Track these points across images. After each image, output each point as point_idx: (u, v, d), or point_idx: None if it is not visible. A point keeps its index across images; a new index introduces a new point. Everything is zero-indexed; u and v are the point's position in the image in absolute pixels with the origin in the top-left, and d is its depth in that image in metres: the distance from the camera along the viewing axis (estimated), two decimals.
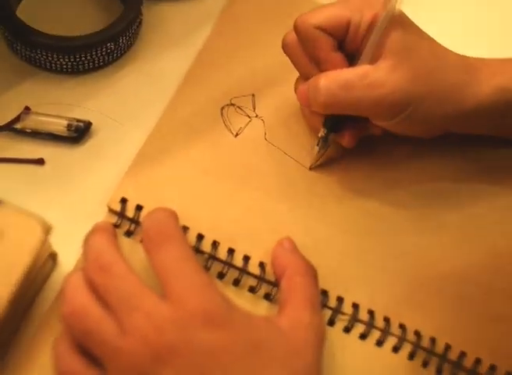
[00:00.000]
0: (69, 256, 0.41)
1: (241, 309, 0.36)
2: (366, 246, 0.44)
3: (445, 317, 0.42)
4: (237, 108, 0.48)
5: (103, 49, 0.47)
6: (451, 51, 0.44)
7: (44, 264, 0.40)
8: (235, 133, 0.47)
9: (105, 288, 0.36)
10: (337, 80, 0.42)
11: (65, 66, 0.47)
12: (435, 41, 0.44)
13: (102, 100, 0.47)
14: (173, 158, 0.45)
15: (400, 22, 0.42)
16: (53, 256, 0.41)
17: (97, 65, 0.48)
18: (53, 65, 0.47)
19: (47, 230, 0.38)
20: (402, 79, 0.41)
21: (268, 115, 0.48)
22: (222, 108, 0.47)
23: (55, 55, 0.46)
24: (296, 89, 0.45)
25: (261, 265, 0.41)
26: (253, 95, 0.48)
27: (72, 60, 0.47)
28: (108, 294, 0.36)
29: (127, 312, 0.35)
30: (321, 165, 0.46)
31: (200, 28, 0.51)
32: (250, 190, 0.45)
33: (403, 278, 0.43)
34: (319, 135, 0.44)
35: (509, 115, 0.45)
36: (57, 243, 0.41)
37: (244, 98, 0.48)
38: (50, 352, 0.36)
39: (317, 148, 0.45)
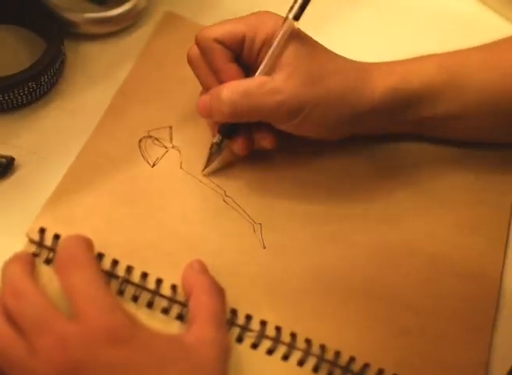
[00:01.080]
0: None
1: (146, 328, 0.39)
2: (275, 264, 0.47)
3: (350, 330, 0.45)
4: (154, 140, 0.50)
5: (25, 88, 0.49)
6: (343, 58, 0.48)
7: None
8: (152, 164, 0.49)
9: (18, 313, 0.38)
10: (238, 90, 0.45)
11: None
12: (327, 50, 0.48)
13: (26, 136, 0.50)
14: (92, 189, 0.47)
15: (296, 36, 0.46)
16: None
17: (20, 103, 0.50)
18: None
19: None
20: (296, 85, 0.45)
21: (184, 145, 0.50)
22: (140, 140, 0.50)
23: None
24: (198, 100, 0.47)
25: (173, 287, 0.44)
26: (170, 127, 0.51)
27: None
28: (20, 318, 0.38)
29: (37, 334, 0.37)
30: (235, 191, 0.49)
31: (123, 65, 0.54)
32: (165, 216, 0.47)
33: (309, 293, 0.46)
34: (213, 141, 0.48)
35: (400, 112, 0.49)
36: None
37: (162, 130, 0.51)
38: None
39: (209, 152, 0.48)
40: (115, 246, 0.45)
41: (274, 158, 0.51)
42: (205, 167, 0.49)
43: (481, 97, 0.49)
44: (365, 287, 0.47)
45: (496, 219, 0.51)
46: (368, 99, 0.47)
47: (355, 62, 0.49)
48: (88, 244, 0.42)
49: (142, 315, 0.42)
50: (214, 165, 0.49)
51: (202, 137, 0.51)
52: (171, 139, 0.51)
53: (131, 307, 0.43)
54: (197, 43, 0.47)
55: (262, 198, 0.49)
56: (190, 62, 0.48)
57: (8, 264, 0.41)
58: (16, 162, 0.48)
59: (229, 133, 0.48)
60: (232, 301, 0.44)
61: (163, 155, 0.50)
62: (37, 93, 0.51)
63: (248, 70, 0.47)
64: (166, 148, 0.50)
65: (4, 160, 0.47)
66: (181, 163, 0.50)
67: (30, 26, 0.54)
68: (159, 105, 0.52)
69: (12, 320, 0.38)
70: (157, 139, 0.50)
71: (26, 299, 0.38)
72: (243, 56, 0.47)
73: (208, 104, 0.46)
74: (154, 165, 0.49)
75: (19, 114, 0.51)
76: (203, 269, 0.44)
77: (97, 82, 0.53)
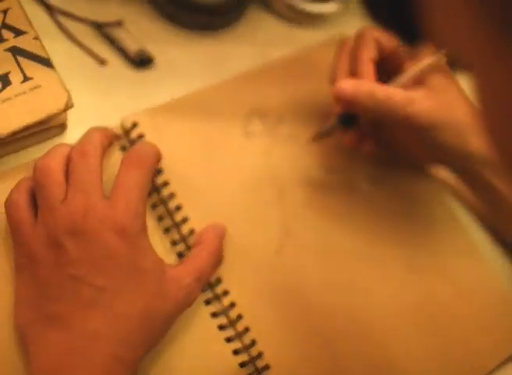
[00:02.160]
0: (74, 136, 0.51)
1: (149, 243, 0.45)
2: (280, 269, 0.52)
3: (291, 358, 0.50)
4: (262, 117, 0.56)
5: (204, 17, 0.57)
6: (473, 103, 0.52)
7: (53, 127, 0.50)
8: (247, 133, 0.55)
9: (75, 168, 0.45)
10: (382, 90, 0.50)
11: (168, 13, 0.57)
12: (464, 92, 0.52)
13: (176, 52, 0.57)
14: (191, 121, 0.54)
15: (441, 68, 0.51)
16: (63, 127, 0.51)
17: (192, 25, 0.58)
18: (165, 10, 0.57)
19: (68, 105, 0.48)
20: (430, 104, 0.50)
21: (279, 137, 0.56)
22: (251, 109, 0.56)
23: (170, 5, 0.56)
24: (341, 82, 0.51)
25: (192, 230, 0.50)
26: (280, 117, 0.57)
27: (175, 11, 0.56)
28: (74, 172, 0.45)
29: (76, 191, 0.44)
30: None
31: (281, 48, 0.60)
32: (229, 179, 0.53)
33: (284, 310, 0.51)
34: (329, 122, 0.53)
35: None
36: (73, 122, 0.51)
37: (272, 114, 0.57)
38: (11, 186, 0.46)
39: (321, 129, 0.54)
40: (175, 173, 0.51)
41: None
42: (311, 138, 0.55)
43: None
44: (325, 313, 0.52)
45: None
46: (480, 145, 0.50)
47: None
48: (157, 155, 0.48)
49: (156, 233, 0.49)
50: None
51: (298, 140, 0.57)
52: (274, 126, 0.56)
53: (153, 223, 0.49)
54: (360, 33, 0.53)
55: (308, 224, 0.55)
56: (342, 44, 0.54)
57: (93, 129, 0.48)
58: (153, 64, 0.56)
59: (346, 122, 0.53)
60: (223, 271, 0.50)
61: (259, 133, 0.56)
62: (205, 26, 0.58)
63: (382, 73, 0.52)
64: (266, 129, 0.56)
65: (147, 56, 0.55)
66: (267, 149, 0.55)
67: None
68: (286, 97, 0.58)
69: (68, 170, 0.46)
70: (264, 117, 0.56)
71: (88, 161, 0.45)
72: (385, 62, 0.53)
73: (350, 90, 0.50)
74: (247, 135, 0.55)
75: (181, 32, 0.58)
76: (221, 234, 0.50)
77: (251, 48, 0.60)
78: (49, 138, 0.51)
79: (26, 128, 0.47)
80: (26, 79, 0.47)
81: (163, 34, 0.57)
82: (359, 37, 0.53)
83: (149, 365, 0.46)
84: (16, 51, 0.48)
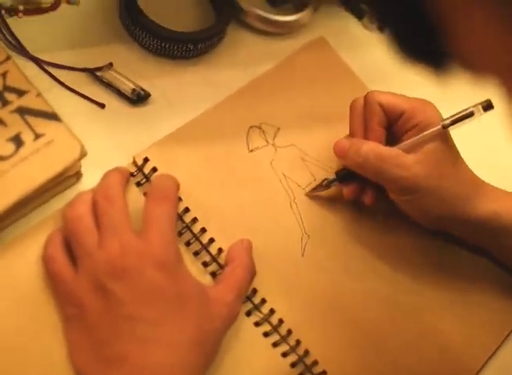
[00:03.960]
0: (89, 181, 0.53)
1: (187, 269, 0.48)
2: (306, 273, 0.55)
3: (334, 348, 0.53)
4: (261, 132, 0.59)
5: (184, 46, 0.58)
6: (470, 170, 0.55)
7: (69, 177, 0.52)
8: (250, 150, 0.58)
9: (103, 212, 0.48)
10: (376, 151, 0.53)
11: (154, 48, 0.59)
12: (461, 159, 0.55)
13: (168, 83, 0.59)
14: (196, 146, 0.56)
15: (443, 136, 0.53)
16: (78, 175, 0.53)
17: (174, 55, 0.59)
18: (150, 46, 0.59)
19: (83, 153, 0.50)
20: (422, 172, 0.52)
21: (282, 148, 0.59)
22: (251, 127, 0.59)
23: (155, 40, 0.58)
24: (338, 141, 0.56)
25: (220, 250, 0.53)
26: (278, 128, 0.60)
27: (160, 45, 0.58)
28: (103, 216, 0.47)
29: (109, 234, 0.46)
30: (303, 201, 0.57)
31: (263, 63, 0.62)
32: (240, 194, 0.56)
33: (319, 306, 0.54)
34: (328, 177, 0.57)
35: (500, 237, 0.56)
36: (85, 167, 0.53)
37: (271, 128, 0.59)
38: (42, 241, 0.48)
39: (319, 183, 0.57)
40: (193, 198, 0.54)
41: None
42: (310, 193, 0.58)
43: None
44: (372, 331, 0.55)
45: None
46: (472, 211, 0.54)
47: (477, 178, 0.56)
48: (177, 185, 0.51)
49: (187, 258, 0.51)
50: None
51: (299, 148, 0.59)
52: (274, 137, 0.59)
53: (182, 249, 0.52)
54: (365, 98, 0.55)
55: (323, 221, 0.58)
56: (352, 108, 0.57)
57: (110, 172, 0.51)
58: (149, 99, 0.58)
59: (344, 179, 0.56)
60: (257, 282, 0.52)
61: (262, 147, 0.59)
62: (191, 54, 0.60)
63: (391, 139, 0.55)
64: (267, 142, 0.59)
65: (143, 93, 0.57)
66: (272, 160, 0.58)
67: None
68: (280, 107, 0.61)
69: (96, 216, 0.48)
70: (263, 132, 0.59)
71: (114, 204, 0.48)
72: (394, 127, 0.55)
73: (347, 148, 0.55)
74: (251, 151, 0.58)
75: (169, 63, 0.60)
76: (249, 248, 0.53)
77: (238, 67, 0.62)
78: (67, 188, 0.53)
79: (48, 182, 0.49)
80: (37, 136, 0.49)
81: (153, 69, 0.59)
82: (365, 103, 0.55)
83: None
84: (22, 112, 0.50)
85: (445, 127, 0.52)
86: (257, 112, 0.60)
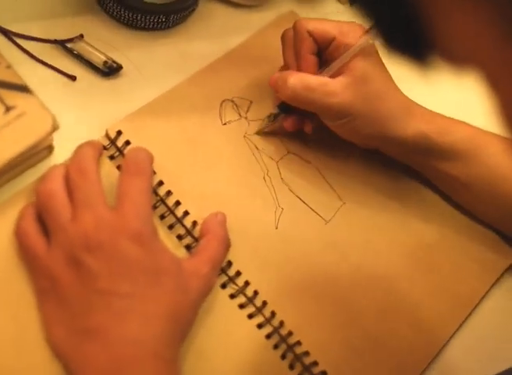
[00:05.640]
0: (61, 155, 0.52)
1: (162, 242, 0.48)
2: (280, 245, 0.55)
3: (308, 319, 0.53)
4: (234, 106, 0.59)
5: (156, 18, 0.58)
6: (399, 90, 0.56)
7: (41, 150, 0.51)
8: (223, 123, 0.58)
9: (76, 186, 0.47)
10: (302, 82, 0.53)
11: (126, 19, 0.58)
12: (390, 78, 0.55)
13: (141, 56, 0.59)
14: (171, 119, 0.56)
15: (369, 52, 0.53)
16: (50, 148, 0.53)
17: (147, 27, 0.59)
18: (122, 17, 0.58)
19: (55, 126, 0.49)
20: (350, 96, 0.52)
21: (254, 121, 0.59)
22: (224, 100, 0.59)
23: (127, 12, 0.57)
24: (272, 76, 0.56)
25: (194, 223, 0.53)
26: (250, 101, 0.60)
27: (132, 17, 0.58)
28: (76, 190, 0.47)
29: (83, 207, 0.46)
30: (275, 175, 0.58)
31: (236, 35, 0.62)
32: (214, 167, 0.56)
33: (293, 278, 0.54)
34: (272, 111, 0.57)
35: (420, 155, 0.56)
36: (57, 141, 0.52)
37: (244, 101, 0.59)
38: (15, 215, 0.48)
39: (265, 119, 0.58)
40: (166, 171, 0.54)
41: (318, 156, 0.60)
42: (258, 131, 0.58)
43: (489, 179, 0.57)
44: (344, 301, 0.55)
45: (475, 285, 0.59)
46: (401, 132, 0.54)
47: (408, 99, 0.56)
48: (151, 158, 0.51)
49: (161, 231, 0.51)
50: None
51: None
52: (247, 111, 0.59)
53: (156, 222, 0.52)
54: (294, 27, 0.55)
55: (294, 189, 0.58)
56: (283, 40, 0.57)
57: (82, 145, 0.50)
58: (122, 71, 0.57)
59: (286, 111, 0.57)
60: (232, 254, 0.53)
61: (235, 120, 0.59)
62: (163, 25, 0.59)
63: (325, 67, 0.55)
64: (240, 116, 0.59)
65: (114, 65, 0.56)
66: (245, 133, 0.58)
67: None
68: (251, 80, 0.61)
69: (69, 189, 0.47)
70: (236, 105, 0.59)
71: (87, 177, 0.47)
72: (326, 54, 0.55)
73: (277, 82, 0.55)
74: (224, 124, 0.58)
75: (141, 35, 0.60)
76: (223, 221, 0.53)
77: (211, 39, 0.62)
78: (39, 162, 0.53)
79: (19, 156, 0.48)
80: (8, 109, 0.49)
81: (125, 41, 0.59)
82: (295, 32, 0.55)
83: (183, 353, 0.49)
84: None
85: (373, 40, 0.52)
86: (230, 85, 0.60)
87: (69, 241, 0.45)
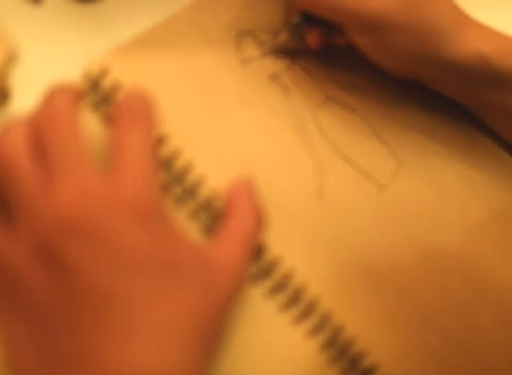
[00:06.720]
0: (22, 103, 0.38)
1: (174, 222, 0.33)
2: (328, 217, 0.41)
3: (372, 320, 0.40)
4: (255, 38, 0.44)
5: None
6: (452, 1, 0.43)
7: None
8: (241, 59, 0.43)
9: (49, 142, 0.32)
10: None
11: None
12: None
13: None
14: (173, 53, 0.42)
15: None
16: (5, 94, 0.37)
17: None
18: None
19: (10, 55, 0.34)
20: (388, 2, 0.40)
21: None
22: (241, 31, 0.44)
23: None
24: None
25: (212, 192, 0.38)
26: (276, 32, 0.45)
27: None
28: (49, 150, 0.32)
29: (60, 174, 0.31)
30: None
31: None
32: (237, 118, 0.42)
33: (348, 264, 0.40)
34: (292, 20, 0.43)
35: (489, 88, 0.43)
36: (17, 83, 0.37)
37: (266, 32, 0.45)
38: None
39: (283, 29, 0.44)
40: (172, 124, 0.39)
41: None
42: (270, 48, 0.45)
43: None
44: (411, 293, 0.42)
45: None
46: (453, 52, 0.42)
47: (461, 11, 0.43)
48: (152, 105, 0.36)
49: (167, 206, 0.37)
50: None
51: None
52: (271, 45, 0.45)
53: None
54: None
55: (337, 145, 0.44)
56: None
57: (54, 90, 0.35)
58: None
59: (309, 19, 0.43)
60: (266, 235, 0.38)
61: (257, 57, 0.44)
62: None
63: None
64: (263, 51, 0.44)
65: None
66: (272, 74, 0.44)
67: None
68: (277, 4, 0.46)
69: (37, 149, 0.32)
70: (257, 38, 0.45)
71: (63, 132, 0.32)
72: None
73: None
74: (243, 61, 0.43)
75: None
76: (253, 190, 0.38)
77: None
78: None
79: None
80: None
81: None
82: None
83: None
84: None
85: None
86: (249, 12, 0.45)
87: (39, 223, 0.30)
